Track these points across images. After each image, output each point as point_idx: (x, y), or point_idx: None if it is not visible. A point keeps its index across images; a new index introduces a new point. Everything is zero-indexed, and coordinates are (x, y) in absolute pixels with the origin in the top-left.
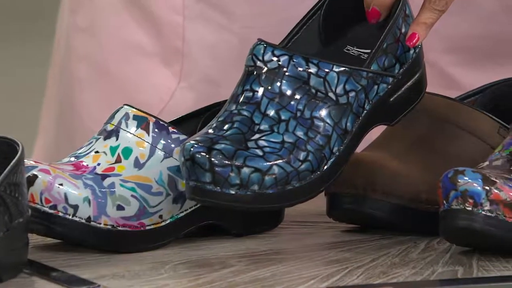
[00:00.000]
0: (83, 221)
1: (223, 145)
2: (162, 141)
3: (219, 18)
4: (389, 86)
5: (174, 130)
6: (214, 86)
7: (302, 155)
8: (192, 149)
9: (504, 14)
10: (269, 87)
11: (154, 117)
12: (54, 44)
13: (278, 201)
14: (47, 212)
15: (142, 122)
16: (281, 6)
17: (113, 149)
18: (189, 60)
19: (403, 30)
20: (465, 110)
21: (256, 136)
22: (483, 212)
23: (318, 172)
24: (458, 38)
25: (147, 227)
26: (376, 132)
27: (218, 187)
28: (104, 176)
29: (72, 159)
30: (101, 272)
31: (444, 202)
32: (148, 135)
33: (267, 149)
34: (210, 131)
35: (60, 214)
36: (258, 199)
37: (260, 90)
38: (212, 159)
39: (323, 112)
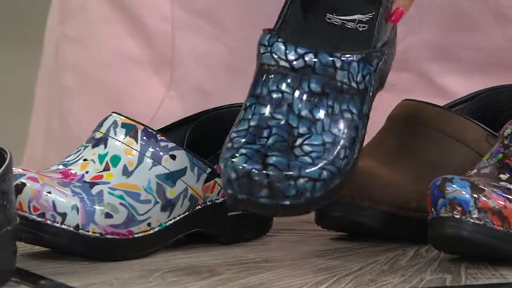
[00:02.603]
0: (72, 229)
1: (274, 158)
2: (151, 149)
3: (209, 27)
4: (384, 58)
5: (163, 138)
6: (204, 95)
7: (342, 153)
8: (245, 165)
9: (494, 24)
10: (298, 87)
11: (143, 125)
12: (43, 52)
13: (323, 201)
14: (35, 220)
15: (130, 130)
16: (271, 15)
17: (101, 157)
18: (178, 69)
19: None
20: (454, 118)
21: (299, 141)
22: (471, 220)
23: (353, 163)
24: (447, 48)
25: (136, 235)
26: (365, 140)
27: (274, 200)
28: (92, 184)
29: (61, 167)
30: (90, 280)
31: (433, 210)
32: (137, 143)
33: (314, 154)
34: (249, 139)
35: (49, 222)
36: (308, 205)
37: (289, 90)
38: (270, 177)
39: (350, 103)
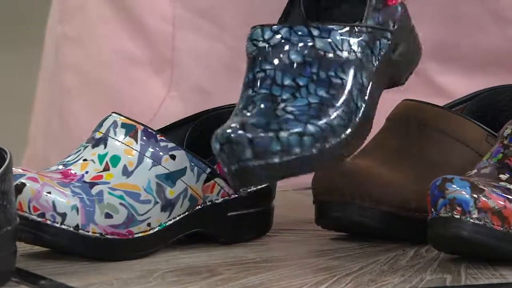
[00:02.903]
0: (71, 229)
1: (254, 120)
2: (151, 149)
3: (209, 27)
4: (389, 42)
5: (163, 138)
6: (204, 95)
7: (331, 111)
8: (224, 133)
9: (493, 24)
10: (279, 61)
11: (143, 125)
12: (43, 53)
13: (322, 161)
14: (35, 220)
15: (130, 130)
16: (271, 15)
17: (101, 157)
18: (179, 69)
19: None
20: (454, 118)
21: (282, 105)
22: (471, 220)
23: (351, 127)
24: (447, 47)
25: (136, 235)
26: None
27: (262, 160)
28: (92, 184)
29: (60, 167)
30: (90, 280)
31: (432, 210)
32: (137, 143)
33: (297, 112)
34: (235, 117)
35: (48, 222)
36: (302, 162)
37: (271, 67)
38: (248, 134)
39: (338, 70)
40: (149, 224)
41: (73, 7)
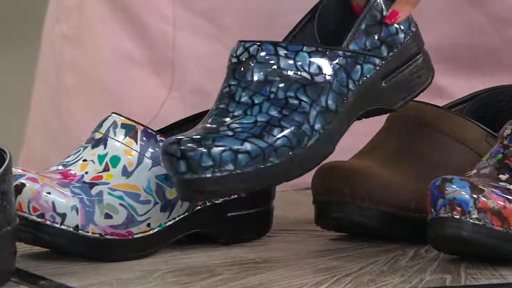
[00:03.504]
0: (71, 229)
1: (193, 134)
2: (150, 150)
3: (210, 28)
4: (377, 68)
5: (162, 139)
6: (205, 96)
7: (276, 131)
8: (164, 145)
9: (490, 25)
10: (242, 78)
11: (142, 125)
12: (40, 52)
13: (258, 180)
14: (35, 220)
15: (130, 130)
16: (272, 17)
17: (101, 158)
18: (180, 70)
19: (385, 13)
20: (453, 118)
21: (229, 121)
22: (471, 220)
23: (301, 149)
24: (444, 48)
25: (135, 236)
26: (365, 140)
27: (195, 174)
28: (92, 185)
29: (60, 167)
30: (89, 281)
31: (432, 210)
32: (136, 143)
33: (239, 129)
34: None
35: (48, 222)
36: (237, 179)
37: (235, 82)
38: (181, 146)
39: (298, 91)
40: (148, 225)
41: (71, 6)
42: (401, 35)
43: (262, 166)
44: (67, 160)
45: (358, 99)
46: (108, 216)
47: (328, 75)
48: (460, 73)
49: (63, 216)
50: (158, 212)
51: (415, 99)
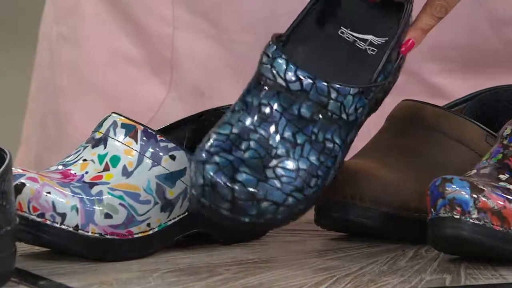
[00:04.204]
0: (71, 229)
1: (244, 176)
2: (150, 149)
3: (209, 29)
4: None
5: (163, 138)
6: (204, 96)
7: (313, 182)
8: (214, 175)
9: (488, 25)
10: (289, 108)
11: (142, 125)
12: (37, 53)
13: (283, 223)
14: (35, 220)
15: (130, 130)
16: (271, 18)
17: (101, 157)
18: (178, 70)
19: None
20: (453, 118)
21: (274, 162)
22: (471, 220)
23: (319, 191)
24: (442, 48)
25: (135, 235)
26: (364, 140)
27: (234, 214)
28: (92, 184)
29: (60, 167)
30: (89, 281)
31: (432, 210)
32: (136, 143)
33: (284, 179)
34: (226, 146)
35: (48, 222)
36: (268, 225)
37: (279, 109)
38: (235, 193)
39: (335, 133)
40: (148, 225)
41: (68, 7)
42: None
43: (292, 212)
44: (67, 159)
45: (364, 120)
46: (108, 216)
47: (359, 113)
48: (458, 73)
49: (63, 216)
50: (158, 212)
51: (415, 99)
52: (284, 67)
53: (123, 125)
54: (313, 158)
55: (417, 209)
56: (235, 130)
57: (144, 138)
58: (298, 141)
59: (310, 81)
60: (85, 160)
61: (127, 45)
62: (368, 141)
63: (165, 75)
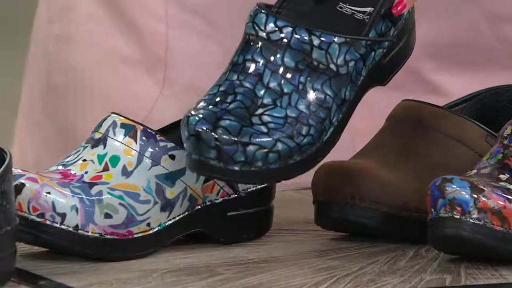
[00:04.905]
0: (71, 229)
1: (228, 122)
2: (150, 149)
3: (203, 26)
4: (385, 50)
5: (162, 138)
6: (198, 94)
7: (304, 130)
8: (196, 124)
9: (486, 23)
10: (272, 59)
11: (142, 125)
12: (29, 53)
13: (279, 175)
14: (35, 220)
15: (129, 130)
16: None
17: (100, 157)
18: (172, 68)
19: None
20: (453, 118)
21: (260, 110)
22: (471, 220)
23: (318, 144)
24: (439, 45)
25: (135, 235)
26: (364, 139)
27: (222, 163)
28: (91, 184)
29: (60, 167)
30: (89, 280)
31: (432, 210)
32: (136, 143)
33: (271, 125)
34: (213, 102)
35: (48, 222)
36: (262, 174)
37: (262, 61)
38: (217, 136)
39: (325, 84)
40: (148, 224)
41: (62, 7)
42: (405, 13)
43: (286, 163)
44: (67, 160)
45: (365, 83)
46: (108, 216)
47: (350, 66)
48: (455, 70)
49: (63, 216)
50: (158, 212)
51: (415, 98)
52: (264, 20)
53: (123, 125)
54: (302, 107)
55: (417, 209)
56: (222, 88)
57: (144, 138)
58: (285, 90)
59: (290, 29)
60: (84, 160)
61: (121, 44)
62: (367, 140)
63: (158, 73)
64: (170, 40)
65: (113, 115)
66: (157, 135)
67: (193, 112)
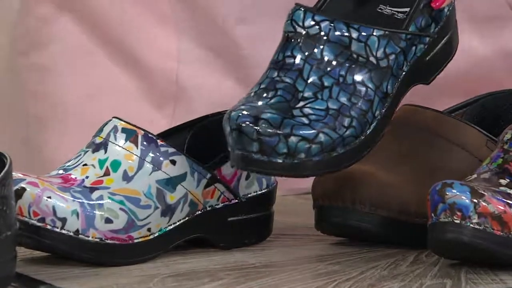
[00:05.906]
0: (71, 234)
1: (269, 114)
2: (151, 154)
3: (214, 62)
4: (426, 46)
5: (163, 143)
6: None
7: (346, 121)
8: (238, 118)
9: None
10: (311, 53)
11: (143, 130)
12: None
13: (324, 168)
14: (35, 225)
15: (130, 135)
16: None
17: (101, 162)
18: (182, 104)
19: None
20: (453, 123)
21: (301, 103)
22: (471, 225)
23: (362, 137)
24: None
25: (136, 240)
26: None
27: (266, 156)
28: (92, 189)
29: (61, 171)
30: (89, 285)
31: (432, 214)
32: (137, 148)
33: (313, 117)
34: (254, 99)
35: (48, 227)
36: (305, 167)
37: (302, 56)
38: (259, 129)
39: (365, 77)
40: (149, 229)
41: (46, 38)
42: (445, 9)
43: (330, 156)
44: (68, 164)
45: (407, 79)
46: (108, 221)
47: (391, 59)
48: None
49: (63, 220)
50: (159, 217)
51: (414, 103)
52: (302, 16)
53: (124, 130)
54: (343, 99)
55: (417, 214)
56: (262, 86)
57: (145, 142)
58: (326, 84)
59: (328, 22)
60: (85, 164)
61: (117, 75)
62: None
63: (167, 107)
64: (180, 76)
65: (114, 119)
66: (158, 140)
67: (235, 109)
